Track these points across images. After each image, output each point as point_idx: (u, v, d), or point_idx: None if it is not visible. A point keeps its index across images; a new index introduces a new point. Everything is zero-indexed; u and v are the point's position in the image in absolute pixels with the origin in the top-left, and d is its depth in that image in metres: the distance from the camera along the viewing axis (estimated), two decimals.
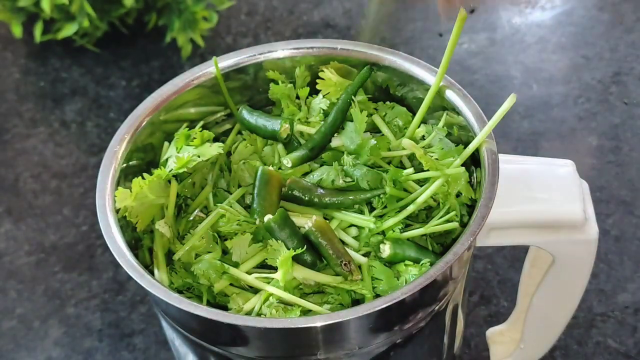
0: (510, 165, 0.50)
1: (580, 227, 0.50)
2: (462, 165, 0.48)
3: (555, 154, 0.82)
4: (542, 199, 0.50)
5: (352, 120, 0.52)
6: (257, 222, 0.48)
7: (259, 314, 0.46)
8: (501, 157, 0.48)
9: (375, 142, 0.50)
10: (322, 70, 0.54)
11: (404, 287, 0.42)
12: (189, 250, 0.48)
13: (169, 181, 0.50)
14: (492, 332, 0.64)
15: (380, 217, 0.49)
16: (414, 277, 0.46)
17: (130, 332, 0.71)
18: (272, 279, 0.46)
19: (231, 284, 0.48)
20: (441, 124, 0.52)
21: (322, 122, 0.53)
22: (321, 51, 0.54)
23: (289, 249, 0.46)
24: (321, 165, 0.52)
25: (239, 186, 0.53)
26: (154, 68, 0.93)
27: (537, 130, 0.84)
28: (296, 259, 0.46)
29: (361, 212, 0.49)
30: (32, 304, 0.73)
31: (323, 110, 0.53)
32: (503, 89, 0.89)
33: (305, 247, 0.46)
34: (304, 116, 0.54)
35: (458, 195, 0.49)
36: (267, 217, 0.47)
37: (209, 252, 0.48)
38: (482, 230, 0.45)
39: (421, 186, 0.49)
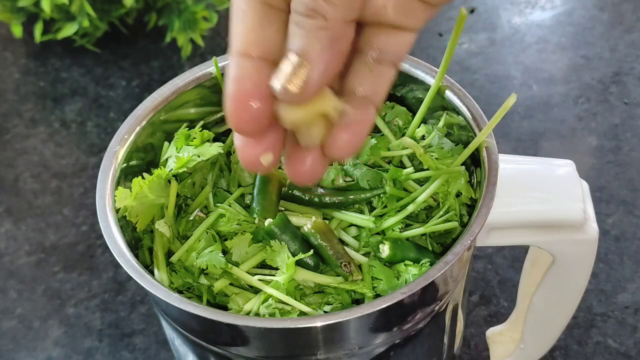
0: (510, 165, 0.50)
1: (580, 227, 0.50)
2: (462, 165, 0.48)
3: (555, 154, 0.82)
4: (542, 199, 0.50)
5: None
6: (257, 221, 0.48)
7: (257, 314, 0.46)
8: (501, 157, 0.47)
9: (376, 141, 0.50)
10: None
11: (404, 287, 0.42)
12: (187, 252, 0.48)
13: (169, 181, 0.50)
14: (492, 332, 0.64)
15: (380, 216, 0.49)
16: (414, 277, 0.46)
17: (130, 332, 0.71)
18: (272, 280, 0.46)
19: (231, 284, 0.48)
20: (441, 123, 0.52)
21: None
22: None
23: (290, 251, 0.46)
24: None
25: (239, 186, 0.53)
26: (154, 68, 0.93)
27: (537, 130, 0.84)
28: (298, 262, 0.46)
29: (361, 212, 0.49)
30: (32, 304, 0.73)
31: None
32: (503, 89, 0.88)
33: (312, 251, 0.46)
34: None
35: (458, 194, 0.49)
36: (268, 222, 0.47)
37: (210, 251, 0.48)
38: (482, 230, 0.45)
39: (421, 186, 0.49)
